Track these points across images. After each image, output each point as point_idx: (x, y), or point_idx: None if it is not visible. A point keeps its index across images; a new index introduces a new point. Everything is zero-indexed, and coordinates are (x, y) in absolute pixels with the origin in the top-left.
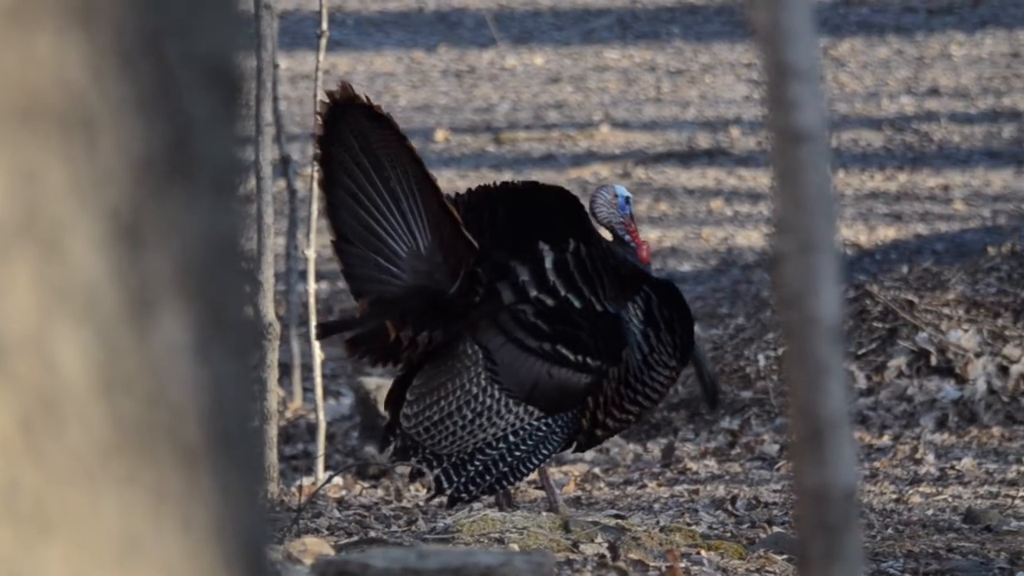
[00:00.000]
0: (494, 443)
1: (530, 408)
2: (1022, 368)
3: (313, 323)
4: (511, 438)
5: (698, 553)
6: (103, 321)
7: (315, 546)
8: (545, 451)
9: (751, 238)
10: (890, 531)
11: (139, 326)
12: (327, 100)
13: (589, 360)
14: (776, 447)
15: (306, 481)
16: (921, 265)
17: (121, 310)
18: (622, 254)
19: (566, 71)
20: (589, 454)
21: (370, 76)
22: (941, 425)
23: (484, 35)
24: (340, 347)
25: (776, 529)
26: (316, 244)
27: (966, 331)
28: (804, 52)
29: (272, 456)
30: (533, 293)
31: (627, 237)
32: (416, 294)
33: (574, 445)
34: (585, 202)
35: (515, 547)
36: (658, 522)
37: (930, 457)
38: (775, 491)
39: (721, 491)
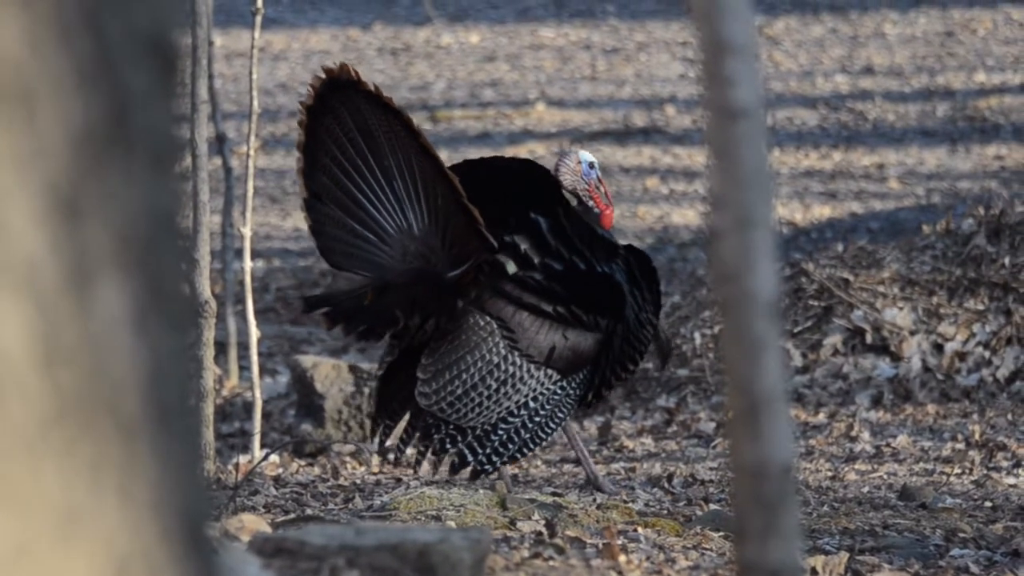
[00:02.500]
0: (516, 410)
1: (549, 372)
2: (956, 346)
3: (249, 301)
4: (531, 404)
5: (635, 530)
6: (42, 294)
7: (252, 523)
8: (561, 414)
9: (687, 216)
10: (826, 508)
11: (79, 299)
12: (325, 76)
13: (599, 320)
14: (712, 425)
15: (242, 459)
16: (856, 243)
17: (60, 283)
18: (590, 221)
19: (501, 49)
20: None
21: (305, 54)
22: (876, 403)
23: (419, 13)
24: (320, 320)
25: (712, 506)
26: (252, 222)
27: (901, 309)
28: (740, 28)
29: (208, 434)
30: (538, 259)
31: (591, 203)
32: (418, 279)
33: (583, 406)
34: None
35: (452, 524)
36: (595, 500)
37: (865, 435)
38: (711, 469)
39: (658, 469)
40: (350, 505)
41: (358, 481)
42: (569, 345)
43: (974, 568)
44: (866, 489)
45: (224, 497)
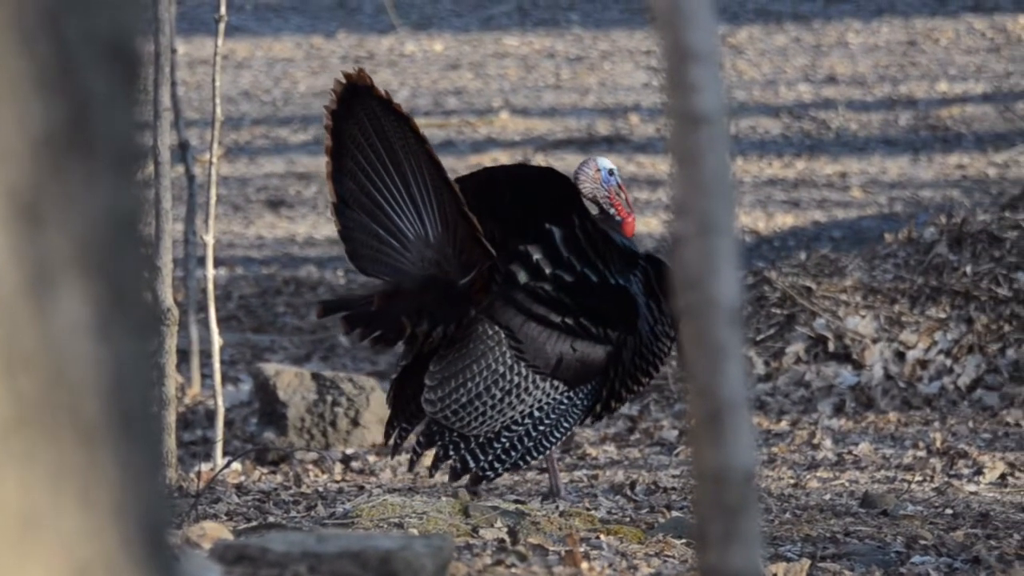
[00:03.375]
0: (520, 419)
1: (555, 383)
2: (918, 354)
3: (212, 309)
4: (536, 413)
5: (597, 538)
6: (3, 298)
7: (214, 531)
8: (567, 424)
9: (650, 225)
10: (788, 515)
11: (39, 304)
12: (344, 80)
13: (609, 332)
14: (675, 433)
15: (204, 467)
16: (819, 252)
17: (21, 288)
18: (609, 229)
19: (465, 58)
20: None
21: (269, 62)
22: (838, 411)
23: (383, 21)
24: (339, 325)
25: (675, 514)
26: (214, 230)
27: (863, 317)
28: (703, 35)
29: (170, 442)
30: (550, 270)
31: (612, 211)
32: (428, 287)
33: (591, 418)
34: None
35: (415, 532)
36: (558, 507)
37: (827, 442)
38: (674, 476)
39: (620, 476)
40: (312, 513)
41: (320, 489)
42: (577, 357)
43: (934, 575)
44: (828, 496)
45: (186, 505)
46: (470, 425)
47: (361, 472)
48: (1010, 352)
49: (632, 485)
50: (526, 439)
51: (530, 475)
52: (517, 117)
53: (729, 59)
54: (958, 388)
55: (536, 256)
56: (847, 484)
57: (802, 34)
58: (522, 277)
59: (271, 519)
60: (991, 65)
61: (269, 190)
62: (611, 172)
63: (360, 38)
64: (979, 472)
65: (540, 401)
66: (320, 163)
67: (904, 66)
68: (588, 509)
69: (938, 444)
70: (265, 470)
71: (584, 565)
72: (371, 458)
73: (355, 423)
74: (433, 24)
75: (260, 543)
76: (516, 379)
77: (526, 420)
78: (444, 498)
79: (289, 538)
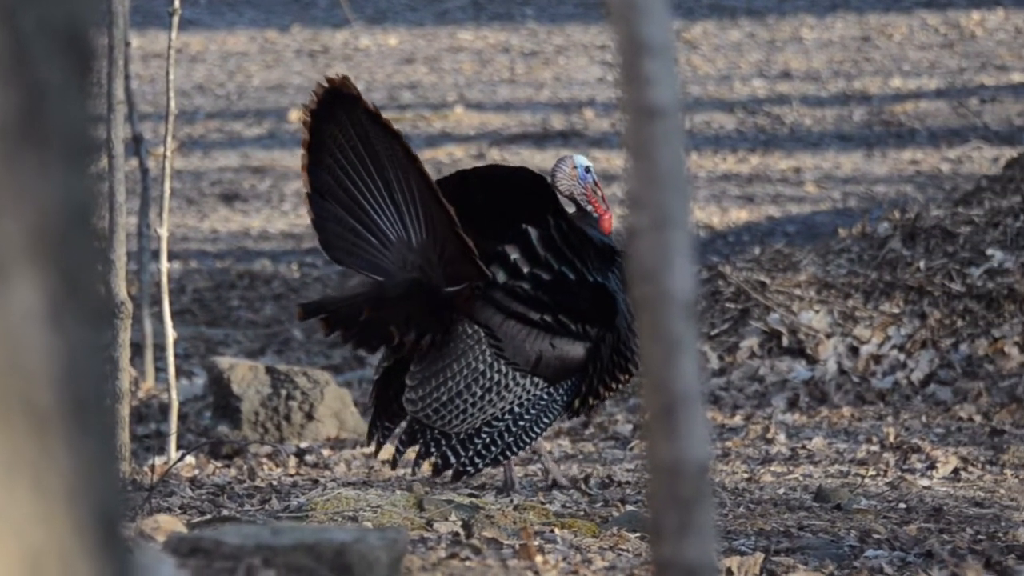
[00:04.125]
0: (500, 416)
1: (535, 379)
2: (872, 349)
3: (166, 303)
4: (516, 409)
5: (552, 531)
6: None
7: (168, 524)
8: (547, 419)
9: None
10: (742, 509)
11: None
12: (327, 85)
13: (588, 328)
14: (629, 427)
15: (158, 460)
16: (773, 247)
17: None
18: (587, 226)
19: (420, 52)
20: None
21: (223, 55)
22: (792, 405)
23: (338, 15)
24: (319, 326)
25: (629, 507)
26: (168, 224)
27: (817, 312)
28: (658, 29)
29: (124, 435)
30: (527, 269)
31: (589, 207)
32: (413, 293)
33: (570, 413)
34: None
35: (369, 525)
36: (512, 501)
37: (781, 437)
38: (628, 470)
39: (575, 470)
40: (267, 506)
41: (275, 482)
42: (556, 354)
43: (888, 569)
44: (782, 491)
45: (140, 498)
46: (451, 423)
47: (315, 466)
48: (963, 347)
49: (587, 479)
50: (506, 435)
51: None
52: (472, 111)
53: (684, 54)
54: (911, 383)
55: (514, 256)
56: (801, 478)
57: (756, 29)
58: (500, 277)
59: (225, 512)
60: (944, 61)
61: (223, 184)
62: (587, 169)
63: (314, 32)
64: (932, 466)
65: (520, 398)
66: (274, 157)
67: (858, 62)
68: (543, 503)
69: (891, 439)
70: (219, 463)
71: (538, 559)
72: (325, 452)
73: (309, 417)
74: (388, 18)
75: (214, 536)
76: (496, 376)
77: (506, 416)
78: (399, 492)
79: (243, 531)
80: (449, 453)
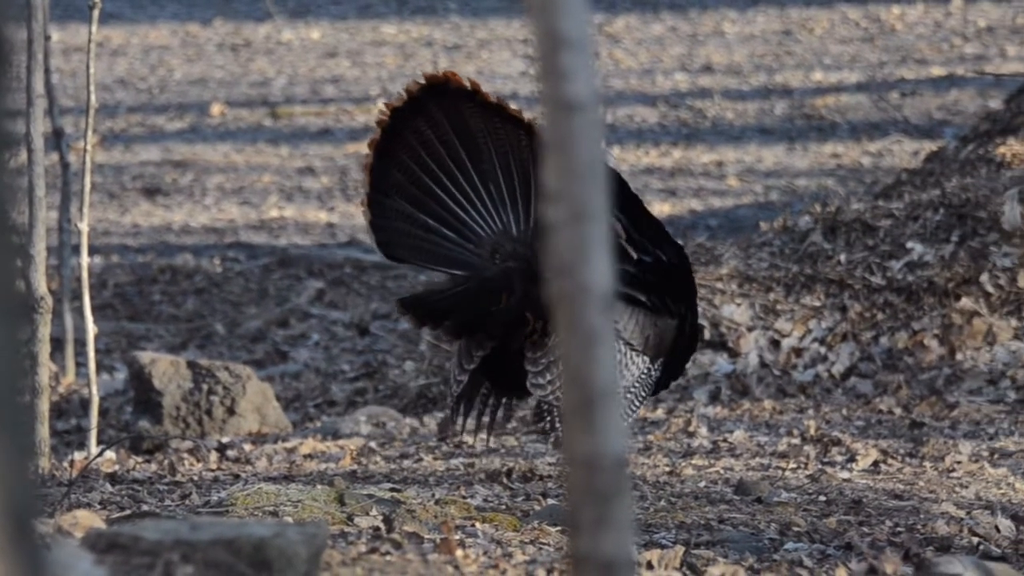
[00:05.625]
0: (622, 393)
1: (644, 357)
2: (793, 342)
3: (86, 298)
4: (634, 387)
5: (473, 525)
6: None
7: (86, 520)
8: (643, 395)
9: None
10: (663, 503)
11: None
12: (423, 81)
13: (679, 307)
14: None
15: (78, 456)
16: (695, 240)
17: None
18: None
19: (343, 45)
20: (366, 428)
21: (144, 49)
22: (714, 398)
23: (260, 9)
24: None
25: (551, 501)
26: (89, 218)
27: (739, 305)
28: (575, 22)
29: (44, 431)
30: (633, 254)
31: None
32: (520, 279)
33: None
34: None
35: (289, 519)
36: (433, 495)
37: (703, 430)
38: (550, 464)
39: (497, 464)
40: (187, 501)
41: (196, 477)
42: (658, 332)
43: (808, 561)
44: (703, 484)
45: (58, 494)
46: None
47: (237, 460)
48: (883, 340)
49: (508, 473)
50: (621, 410)
51: (406, 463)
52: None
53: (606, 48)
54: (832, 376)
55: (619, 240)
56: (722, 471)
57: (679, 23)
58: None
59: (145, 508)
60: (865, 55)
61: (145, 178)
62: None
63: (236, 26)
64: (852, 459)
65: (634, 375)
66: (196, 151)
67: (780, 55)
68: (464, 497)
69: (812, 431)
70: (140, 459)
71: (459, 553)
72: (247, 446)
73: (231, 412)
74: (310, 12)
75: (132, 531)
76: (618, 356)
77: (627, 392)
78: (319, 486)
79: (162, 526)
80: None
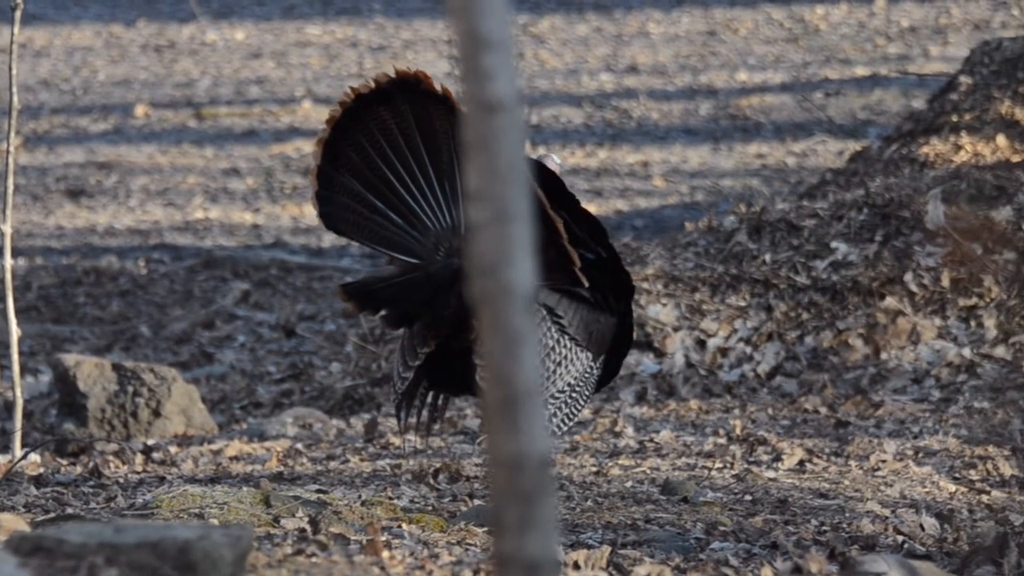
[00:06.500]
0: (565, 388)
1: (588, 353)
2: (719, 342)
3: (10, 300)
4: (577, 383)
5: (399, 526)
6: None
7: (10, 523)
8: (588, 393)
9: None
10: (589, 503)
11: None
12: (394, 75)
13: (618, 304)
14: (478, 421)
15: (2, 459)
16: (621, 240)
17: None
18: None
19: (267, 47)
20: (292, 430)
21: (68, 50)
22: (640, 398)
23: (184, 10)
24: (349, 306)
25: (477, 502)
26: (13, 220)
27: (665, 306)
28: (496, 23)
29: None
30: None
31: None
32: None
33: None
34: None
35: (215, 522)
36: (360, 496)
37: (629, 430)
38: (477, 465)
39: (423, 465)
40: (112, 504)
41: (121, 480)
42: (600, 329)
43: (733, 561)
44: (629, 484)
45: None
46: None
47: (162, 463)
48: (808, 339)
49: (435, 474)
50: (564, 407)
51: (333, 464)
52: (320, 106)
53: (531, 48)
54: (758, 375)
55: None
56: (648, 471)
57: (604, 24)
58: None
59: (70, 510)
60: (789, 55)
61: (69, 180)
62: (559, 167)
63: (160, 26)
64: (778, 458)
65: (579, 371)
66: (120, 152)
67: (704, 56)
68: (390, 498)
69: (738, 431)
70: (65, 461)
71: (385, 554)
72: (172, 448)
73: (156, 413)
74: (235, 13)
75: (56, 534)
76: (563, 351)
77: (566, 389)
78: (245, 488)
79: (86, 529)
80: None
